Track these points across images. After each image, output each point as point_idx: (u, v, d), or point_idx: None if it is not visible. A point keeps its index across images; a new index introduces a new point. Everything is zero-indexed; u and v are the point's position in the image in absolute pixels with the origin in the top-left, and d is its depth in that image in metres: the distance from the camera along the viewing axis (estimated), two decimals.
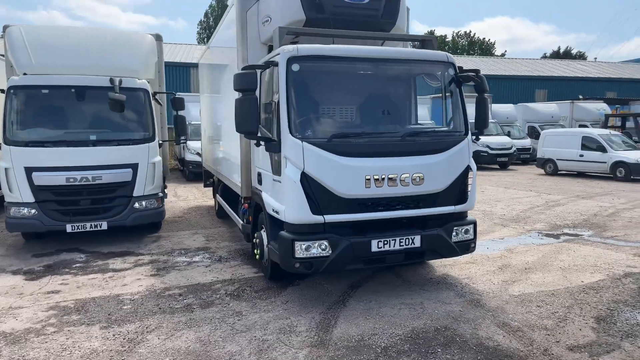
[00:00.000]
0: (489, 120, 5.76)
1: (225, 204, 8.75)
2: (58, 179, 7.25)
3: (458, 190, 5.34)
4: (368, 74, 5.44)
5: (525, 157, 22.99)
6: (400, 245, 5.06)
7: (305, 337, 4.30)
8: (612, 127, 21.53)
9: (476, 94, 5.55)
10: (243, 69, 5.11)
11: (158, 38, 9.18)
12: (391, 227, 5.14)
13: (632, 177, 16.07)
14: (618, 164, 16.44)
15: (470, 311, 4.83)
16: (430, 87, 5.90)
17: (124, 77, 7.67)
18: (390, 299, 5.20)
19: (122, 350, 4.07)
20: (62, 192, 7.33)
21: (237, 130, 5.17)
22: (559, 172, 18.51)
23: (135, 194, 7.75)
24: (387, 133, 5.29)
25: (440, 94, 5.64)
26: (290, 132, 4.81)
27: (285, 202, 4.91)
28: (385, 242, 5.00)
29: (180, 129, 8.62)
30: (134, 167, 7.71)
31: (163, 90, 9.36)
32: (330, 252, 4.85)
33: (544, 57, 60.19)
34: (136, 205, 7.77)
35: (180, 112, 8.64)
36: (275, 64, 5.03)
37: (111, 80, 7.47)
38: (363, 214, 4.96)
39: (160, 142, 8.45)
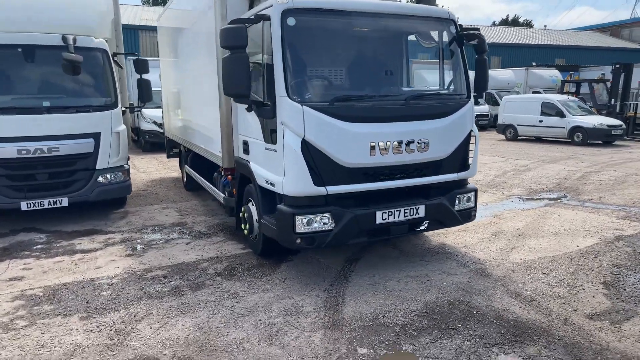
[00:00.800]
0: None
1: (197, 175, 8.15)
2: (8, 150, 6.41)
3: (461, 157, 5.10)
4: (369, 31, 4.97)
5: (483, 124, 23.35)
6: (405, 216, 4.78)
7: (315, 317, 3.97)
8: (567, 93, 22.14)
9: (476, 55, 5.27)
10: (230, 23, 4.52)
11: None
12: (393, 197, 4.83)
13: (588, 141, 16.62)
14: (576, 129, 16.93)
15: (478, 281, 4.66)
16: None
17: (79, 35, 6.80)
18: (393, 272, 4.95)
19: (111, 344, 3.58)
20: (14, 165, 6.50)
21: (226, 93, 4.63)
22: (518, 138, 18.91)
23: (98, 166, 7.02)
24: (390, 96, 4.92)
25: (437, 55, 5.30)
26: (288, 95, 4.33)
27: (284, 173, 4.47)
28: (390, 213, 4.69)
29: (145, 95, 7.84)
30: (96, 136, 6.95)
31: (121, 51, 8.46)
32: (333, 225, 4.49)
33: (494, 24, 61.16)
34: (100, 179, 7.06)
35: (144, 76, 7.86)
36: (267, 18, 4.48)
37: (64, 39, 6.59)
38: (367, 184, 4.61)
39: (124, 108, 7.68)
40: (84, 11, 7.28)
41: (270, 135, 4.70)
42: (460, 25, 5.18)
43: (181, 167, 10.04)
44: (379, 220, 4.65)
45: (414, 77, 6.00)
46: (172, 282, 4.75)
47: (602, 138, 16.73)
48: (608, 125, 16.65)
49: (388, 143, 4.55)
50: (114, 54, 7.58)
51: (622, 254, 5.37)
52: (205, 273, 5.00)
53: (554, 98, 18.34)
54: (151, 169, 12.40)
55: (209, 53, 6.10)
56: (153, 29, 18.51)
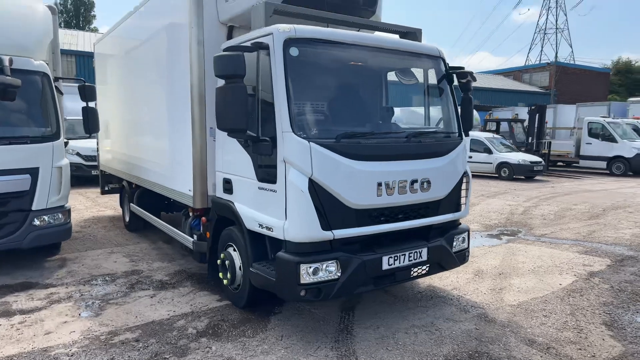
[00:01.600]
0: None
1: (150, 215, 7.32)
2: None
3: (457, 197, 4.96)
4: (369, 65, 4.75)
5: None
6: (409, 260, 4.48)
7: None
8: (489, 131, 23.69)
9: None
10: (224, 50, 4.08)
11: (53, 11, 7.35)
12: (395, 240, 4.53)
13: (514, 176, 17.73)
14: (502, 165, 18.01)
15: (486, 329, 4.44)
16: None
17: (15, 57, 5.90)
18: (397, 321, 4.59)
19: None
20: None
21: (220, 127, 4.13)
22: None
23: (35, 207, 6.02)
24: (392, 133, 4.69)
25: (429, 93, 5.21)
26: (293, 131, 3.93)
27: (285, 216, 4.00)
28: (396, 258, 4.38)
29: (91, 125, 6.94)
30: (34, 172, 5.98)
31: (59, 75, 7.53)
32: (339, 274, 4.07)
33: None
34: (36, 221, 6.04)
35: (91, 103, 7.00)
36: (265, 47, 4.10)
37: None
38: (375, 227, 4.28)
39: (66, 140, 6.74)
40: (21, 29, 6.36)
41: (266, 173, 4.24)
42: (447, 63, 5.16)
43: (122, 205, 9.04)
44: (385, 266, 4.31)
45: (405, 113, 5.84)
46: (148, 348, 4.01)
47: (526, 173, 17.91)
48: (530, 162, 17.90)
49: (394, 182, 4.29)
50: (57, 78, 6.69)
51: (604, 292, 5.48)
52: (185, 333, 4.30)
53: (482, 135, 19.48)
54: (79, 207, 11.10)
55: (179, 81, 5.54)
56: None
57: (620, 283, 5.74)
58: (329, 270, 4.03)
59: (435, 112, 5.14)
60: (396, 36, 5.10)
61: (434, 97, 5.13)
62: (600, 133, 20.95)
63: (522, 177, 18.00)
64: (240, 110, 3.94)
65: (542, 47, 70.12)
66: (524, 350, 4.02)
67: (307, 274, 3.95)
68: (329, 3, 4.86)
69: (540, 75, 50.84)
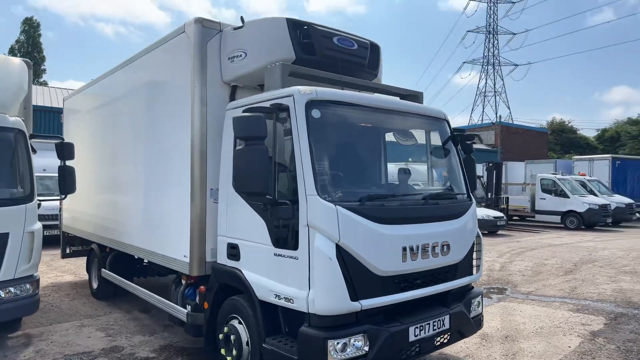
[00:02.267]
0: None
1: (129, 283, 6.72)
2: None
3: (471, 259, 4.84)
4: (385, 127, 4.70)
5: None
6: (433, 329, 4.24)
7: None
8: None
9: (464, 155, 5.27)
10: (245, 110, 3.88)
11: (28, 65, 6.94)
12: (414, 307, 4.30)
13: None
14: None
15: None
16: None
17: None
18: None
19: None
20: None
21: (238, 190, 3.90)
22: None
23: (1, 277, 5.35)
24: (412, 195, 4.56)
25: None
26: (318, 193, 3.72)
27: (309, 286, 3.69)
28: (421, 328, 4.12)
29: (68, 185, 6.40)
30: (2, 239, 5.36)
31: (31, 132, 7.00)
32: (367, 348, 3.75)
33: None
34: (1, 294, 5.35)
35: (69, 162, 6.50)
36: (284, 108, 3.95)
37: None
38: (400, 295, 4.03)
39: (39, 201, 6.16)
40: None
41: (285, 239, 3.96)
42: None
43: (90, 270, 8.30)
44: (412, 337, 4.03)
45: (414, 174, 5.77)
46: None
47: (490, 228, 18.34)
48: (493, 217, 18.40)
49: (417, 246, 4.11)
50: (32, 135, 6.19)
51: (613, 353, 5.41)
52: None
53: None
54: None
55: (176, 140, 5.25)
56: None
57: (624, 342, 5.71)
58: (357, 345, 3.71)
59: (444, 173, 5.11)
60: (396, 98, 5.11)
61: (442, 159, 5.09)
62: (553, 189, 22.03)
63: (486, 232, 18.39)
64: (261, 172, 3.72)
65: (483, 109, 75.12)
66: None
67: (335, 350, 3.61)
68: (337, 65, 4.84)
69: (486, 134, 53.83)
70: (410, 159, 5.18)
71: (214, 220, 4.93)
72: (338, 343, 3.62)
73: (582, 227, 20.89)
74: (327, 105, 4.05)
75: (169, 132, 5.43)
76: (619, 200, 22.92)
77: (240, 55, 4.84)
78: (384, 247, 3.90)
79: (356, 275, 3.74)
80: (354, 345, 3.69)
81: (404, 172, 4.81)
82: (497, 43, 73.64)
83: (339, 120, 4.23)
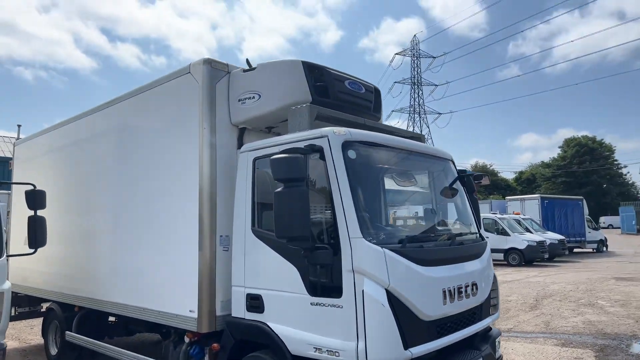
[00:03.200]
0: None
1: (107, 345, 6.00)
2: None
3: (491, 299, 4.83)
4: (409, 168, 4.67)
5: None
6: None
7: None
8: None
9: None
10: (283, 152, 3.70)
11: None
12: (448, 352, 4.17)
13: None
14: None
15: None
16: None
17: None
18: None
19: None
20: None
21: (279, 236, 3.62)
22: None
23: None
24: (443, 235, 4.50)
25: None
26: (363, 236, 3.57)
27: (358, 337, 3.46)
28: None
29: (39, 237, 5.72)
30: None
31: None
32: None
33: None
34: None
35: (40, 212, 5.84)
36: (317, 149, 3.83)
37: None
38: (441, 340, 3.89)
39: (7, 256, 5.44)
40: None
41: (324, 286, 3.72)
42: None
43: (47, 333, 7.36)
44: None
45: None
46: None
47: None
48: None
49: (454, 288, 4.04)
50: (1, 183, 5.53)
51: None
52: None
53: None
54: None
55: (179, 185, 4.91)
56: None
57: None
58: None
59: (457, 213, 5.12)
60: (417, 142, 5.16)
61: (453, 198, 5.13)
62: (494, 228, 23.12)
63: None
64: (304, 216, 3.52)
65: None
66: None
67: None
68: (350, 108, 4.83)
69: None
70: (426, 200, 5.15)
71: (224, 270, 4.60)
72: None
73: (523, 263, 21.95)
74: (360, 146, 3.98)
75: (171, 178, 5.06)
76: (552, 236, 24.49)
77: (253, 97, 4.70)
78: (428, 290, 3.79)
79: (405, 321, 3.57)
80: None
81: (431, 213, 4.79)
82: (422, 93, 78.76)
83: (371, 161, 4.17)
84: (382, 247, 3.57)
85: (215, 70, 4.81)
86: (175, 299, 4.83)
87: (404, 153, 4.48)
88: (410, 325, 3.60)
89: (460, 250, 4.37)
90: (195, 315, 4.55)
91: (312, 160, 3.85)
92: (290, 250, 3.92)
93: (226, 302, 4.59)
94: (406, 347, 3.53)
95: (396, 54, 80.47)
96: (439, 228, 4.67)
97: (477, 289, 4.36)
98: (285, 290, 3.97)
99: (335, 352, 3.57)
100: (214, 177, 4.66)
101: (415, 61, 77.27)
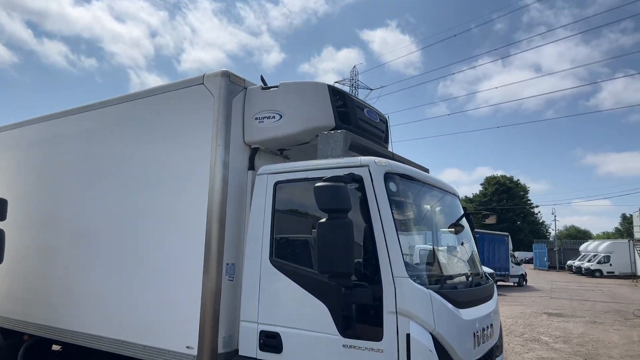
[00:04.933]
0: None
1: None
2: None
3: (500, 340, 4.79)
4: (434, 204, 4.55)
5: None
6: None
7: None
8: None
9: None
10: (326, 180, 3.44)
11: None
12: None
13: None
14: None
15: None
16: None
17: None
18: None
19: None
20: None
21: (322, 270, 3.35)
22: None
23: None
24: (469, 274, 4.40)
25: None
26: (408, 275, 3.38)
27: None
28: None
29: None
30: None
31: None
32: None
33: None
34: None
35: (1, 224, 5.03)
36: (357, 179, 3.63)
37: None
38: None
39: None
40: None
41: (362, 327, 3.45)
42: None
43: None
44: None
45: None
46: None
47: None
48: None
49: (481, 330, 3.94)
50: None
51: None
52: None
53: None
54: None
55: (182, 205, 4.46)
56: None
57: None
58: None
59: (465, 251, 5.07)
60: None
61: (461, 236, 5.11)
62: None
63: None
64: (348, 250, 3.28)
65: None
66: None
67: None
68: (365, 136, 4.69)
69: None
70: (446, 238, 5.06)
71: (229, 302, 4.21)
72: None
73: None
74: (399, 179, 3.83)
75: (174, 195, 4.57)
76: (484, 270, 25.66)
77: (273, 117, 4.42)
78: (464, 334, 3.66)
79: None
80: None
81: (453, 251, 4.69)
82: None
83: (408, 195, 4.03)
84: (428, 289, 3.39)
85: (233, 85, 4.48)
86: (168, 332, 4.32)
87: (428, 188, 4.39)
88: None
89: (481, 290, 4.30)
90: (194, 352, 4.08)
91: (349, 190, 3.63)
92: (319, 286, 3.65)
93: (228, 338, 4.18)
94: None
95: (335, 82, 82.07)
96: (463, 268, 4.59)
97: (493, 330, 4.30)
98: (311, 330, 3.66)
99: None
100: (225, 199, 4.28)
101: (354, 91, 79.34)
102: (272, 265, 3.96)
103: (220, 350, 4.11)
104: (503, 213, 74.57)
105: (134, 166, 4.99)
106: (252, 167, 4.49)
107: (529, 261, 57.34)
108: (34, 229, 5.86)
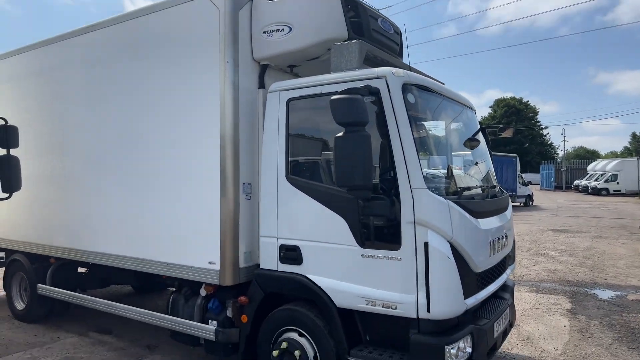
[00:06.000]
0: None
1: (94, 298, 5.51)
2: None
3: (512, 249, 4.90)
4: (452, 118, 4.46)
5: None
6: (504, 323, 4.20)
7: None
8: None
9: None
10: (342, 92, 3.34)
11: None
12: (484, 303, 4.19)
13: None
14: None
15: None
16: None
17: None
18: None
19: None
20: None
21: (341, 184, 3.35)
22: None
23: None
24: (485, 187, 4.40)
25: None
26: (426, 186, 3.38)
27: (417, 289, 3.33)
28: (499, 323, 4.04)
29: (14, 179, 4.95)
30: None
31: None
32: (469, 350, 3.54)
33: None
34: None
35: (12, 151, 5.04)
36: (373, 91, 3.52)
37: None
38: (485, 290, 3.88)
39: None
40: None
41: (380, 238, 3.52)
42: None
43: (10, 287, 6.64)
44: (495, 333, 3.93)
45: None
46: None
47: None
48: None
49: (496, 239, 4.02)
50: None
51: (601, 328, 5.97)
52: None
53: None
54: None
55: (196, 126, 4.40)
56: None
57: (602, 318, 6.34)
58: (463, 348, 3.48)
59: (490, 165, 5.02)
60: None
61: (478, 151, 5.04)
62: None
63: None
64: (367, 163, 3.25)
65: None
66: None
67: (450, 356, 3.33)
68: (379, 48, 4.50)
69: None
70: (463, 151, 5.01)
71: (247, 220, 4.28)
72: (452, 348, 3.34)
73: None
74: (417, 90, 3.72)
75: (184, 118, 4.50)
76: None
77: (283, 30, 4.22)
78: (480, 242, 3.72)
79: (462, 274, 3.48)
80: (461, 348, 3.45)
81: (471, 164, 4.67)
82: None
83: (426, 107, 3.94)
84: (446, 199, 3.41)
85: None
86: (190, 250, 4.43)
87: (447, 101, 4.27)
88: (465, 278, 3.52)
89: (497, 202, 4.32)
90: (216, 267, 4.21)
91: (366, 101, 3.54)
92: (336, 200, 3.68)
93: (249, 254, 4.30)
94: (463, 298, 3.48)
95: None
96: (479, 180, 4.58)
97: (507, 239, 4.38)
98: (330, 242, 3.73)
99: (392, 304, 3.43)
100: (237, 120, 4.21)
101: None
102: (289, 182, 3.97)
103: (242, 265, 4.24)
104: (512, 135, 73.95)
105: (143, 89, 4.89)
106: (262, 85, 4.37)
107: (536, 183, 57.71)
108: (48, 156, 5.89)
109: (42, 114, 6.02)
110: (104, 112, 5.27)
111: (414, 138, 3.43)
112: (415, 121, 3.58)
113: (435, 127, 4.23)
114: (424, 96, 3.85)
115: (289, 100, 4.03)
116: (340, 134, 3.26)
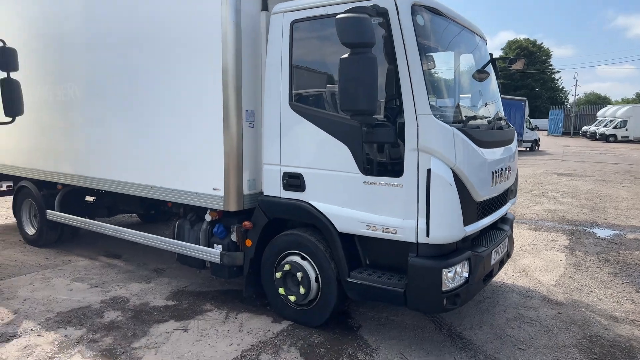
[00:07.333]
0: None
1: (101, 223, 5.66)
2: None
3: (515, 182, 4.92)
4: (463, 47, 4.32)
5: None
6: (501, 252, 4.29)
7: None
8: None
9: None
10: (348, 11, 3.22)
11: None
12: (482, 232, 4.27)
13: None
14: None
15: (568, 311, 4.52)
16: None
17: None
18: (490, 318, 4.35)
19: None
20: None
21: (344, 108, 3.30)
22: None
23: None
24: (489, 118, 4.34)
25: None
26: (432, 113, 3.33)
27: (418, 214, 3.38)
28: (496, 251, 4.13)
29: (15, 104, 4.93)
30: None
31: None
32: (467, 274, 3.65)
33: None
34: None
35: (13, 75, 4.98)
36: (382, 12, 3.39)
37: None
38: (486, 219, 3.94)
39: None
40: None
41: (383, 165, 3.53)
42: None
43: (20, 213, 6.79)
44: (492, 260, 4.03)
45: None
46: None
47: None
48: None
49: (500, 170, 4.02)
50: None
51: (597, 263, 6.11)
52: None
53: None
54: None
55: (201, 52, 4.28)
56: None
57: (598, 254, 6.47)
58: (460, 272, 3.58)
59: (490, 97, 4.94)
60: None
61: (487, 83, 4.93)
62: None
63: None
64: (372, 87, 3.18)
65: None
66: (622, 329, 4.19)
67: (447, 279, 3.43)
68: None
69: None
70: (471, 81, 4.89)
71: (250, 147, 4.27)
72: (449, 272, 3.44)
73: None
74: (427, 13, 3.58)
75: (185, 46, 4.38)
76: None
77: None
78: (483, 171, 3.72)
79: (463, 201, 3.51)
80: (458, 272, 3.55)
81: (478, 94, 4.58)
82: None
83: (436, 31, 3.81)
84: (451, 126, 3.37)
85: None
86: (194, 176, 4.47)
87: (457, 27, 4.12)
88: (466, 205, 3.55)
89: (502, 134, 4.28)
90: (220, 193, 4.26)
91: (374, 23, 3.42)
92: (339, 127, 3.66)
93: (252, 182, 4.34)
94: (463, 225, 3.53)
95: None
96: (484, 111, 4.51)
97: (510, 171, 4.38)
98: (332, 169, 3.75)
99: (392, 229, 3.49)
100: (239, 46, 4.09)
101: None
102: (292, 109, 3.92)
103: (246, 192, 4.29)
104: (521, 79, 72.23)
105: (143, 14, 4.73)
106: (265, 7, 4.21)
107: (544, 129, 56.99)
108: (49, 83, 5.81)
109: (42, 38, 5.87)
110: (105, 37, 5.14)
111: (421, 63, 3.35)
112: (423, 45, 3.48)
113: (445, 54, 4.11)
114: (433, 19, 3.71)
115: (293, 22, 3.90)
116: (346, 55, 3.18)
